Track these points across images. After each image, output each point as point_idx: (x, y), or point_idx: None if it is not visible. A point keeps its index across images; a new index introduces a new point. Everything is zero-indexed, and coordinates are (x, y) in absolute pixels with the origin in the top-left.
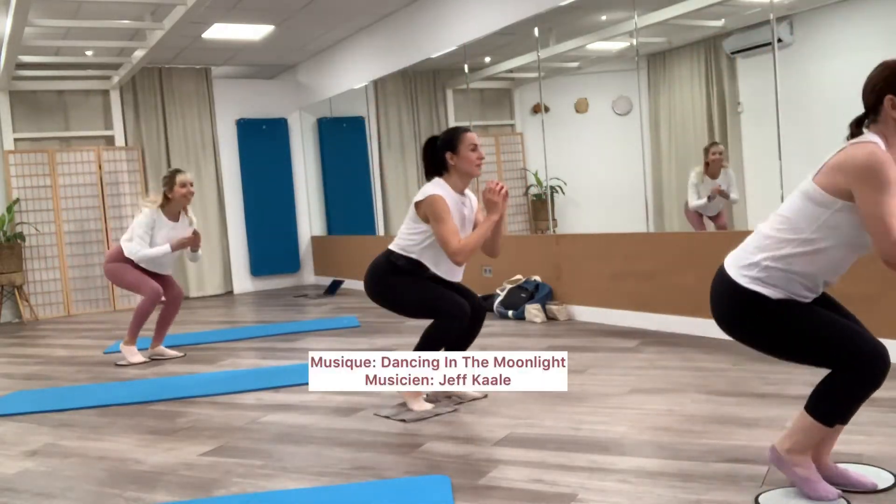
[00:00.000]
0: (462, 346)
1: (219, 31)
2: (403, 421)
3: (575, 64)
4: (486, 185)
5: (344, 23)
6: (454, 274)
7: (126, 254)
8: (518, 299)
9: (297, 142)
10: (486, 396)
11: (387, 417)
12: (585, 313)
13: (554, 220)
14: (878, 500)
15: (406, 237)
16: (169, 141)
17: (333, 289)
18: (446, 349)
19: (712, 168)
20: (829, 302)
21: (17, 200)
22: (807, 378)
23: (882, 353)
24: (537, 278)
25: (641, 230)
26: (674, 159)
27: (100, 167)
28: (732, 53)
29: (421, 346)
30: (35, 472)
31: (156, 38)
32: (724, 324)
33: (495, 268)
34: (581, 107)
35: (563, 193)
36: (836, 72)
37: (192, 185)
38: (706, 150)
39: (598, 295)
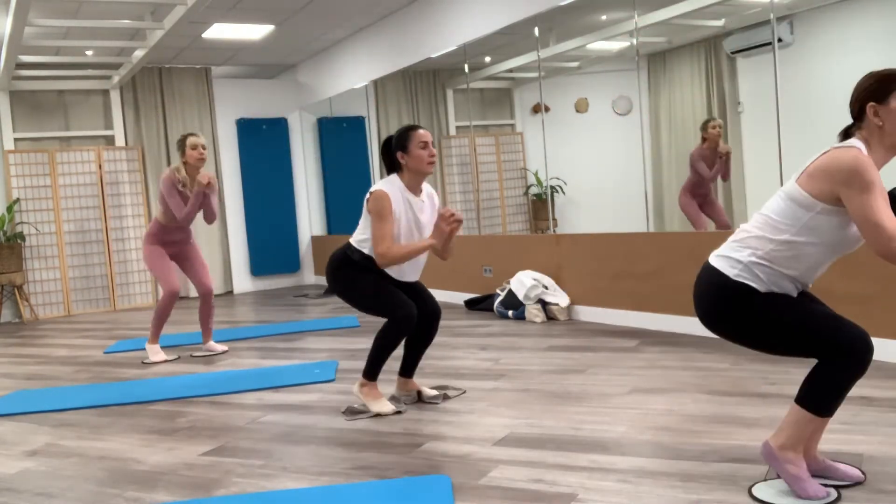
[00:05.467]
0: (419, 347)
1: (219, 31)
2: (378, 414)
3: (575, 64)
4: (440, 212)
5: (344, 23)
6: (403, 274)
7: (176, 214)
8: (518, 299)
9: (297, 142)
10: (464, 392)
11: (353, 418)
12: (585, 313)
13: (554, 219)
14: (868, 494)
15: (360, 231)
16: (169, 141)
17: None
18: (405, 350)
19: (710, 144)
20: (809, 296)
21: (17, 200)
22: None
23: (865, 340)
24: None
25: (641, 230)
26: (674, 159)
27: (100, 167)
28: (732, 53)
29: (374, 350)
30: (35, 472)
31: (156, 38)
32: (710, 318)
33: (495, 268)
34: (581, 107)
35: (563, 193)
36: (836, 71)
37: (203, 147)
38: (705, 125)
39: (598, 295)
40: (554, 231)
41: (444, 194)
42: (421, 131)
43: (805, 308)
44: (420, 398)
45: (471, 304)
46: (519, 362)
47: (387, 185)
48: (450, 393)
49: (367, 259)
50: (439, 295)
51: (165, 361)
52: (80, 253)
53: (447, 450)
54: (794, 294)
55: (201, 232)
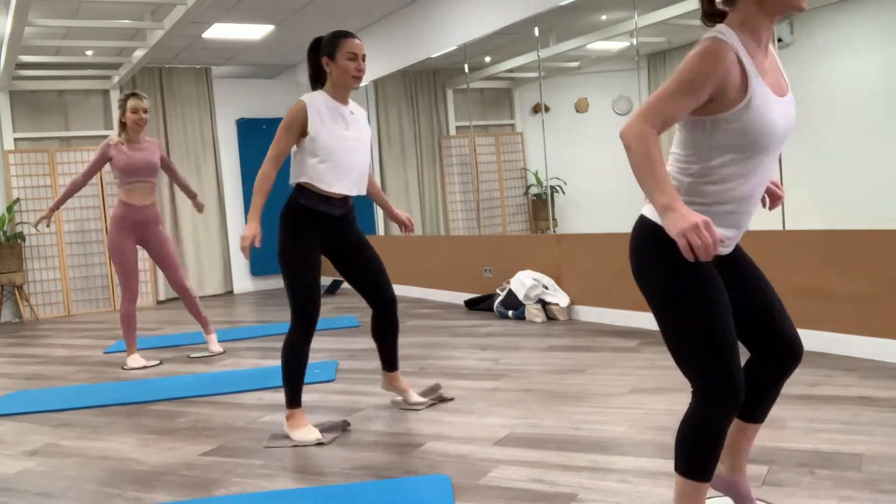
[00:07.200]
0: (385, 336)
1: (219, 31)
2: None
3: (575, 64)
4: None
5: (344, 23)
6: (345, 186)
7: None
8: (518, 299)
9: None
10: (452, 399)
11: (270, 444)
12: (585, 313)
13: (554, 220)
14: (868, 494)
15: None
16: (169, 141)
17: (333, 289)
18: (376, 343)
19: None
20: (748, 277)
21: (17, 200)
22: (806, 378)
23: (735, 386)
24: None
25: None
26: None
27: None
28: None
29: (283, 375)
30: (35, 472)
31: (156, 38)
32: (633, 270)
33: (495, 268)
34: (581, 106)
35: (563, 193)
36: (836, 71)
37: (144, 111)
38: None
39: (598, 295)
40: (554, 231)
41: (445, 194)
42: (355, 41)
43: (710, 305)
44: (406, 402)
45: (471, 304)
46: (519, 362)
47: (307, 97)
48: (441, 396)
49: (312, 196)
50: (439, 295)
51: (144, 367)
52: (80, 253)
53: (447, 450)
54: (730, 243)
55: (201, 232)
